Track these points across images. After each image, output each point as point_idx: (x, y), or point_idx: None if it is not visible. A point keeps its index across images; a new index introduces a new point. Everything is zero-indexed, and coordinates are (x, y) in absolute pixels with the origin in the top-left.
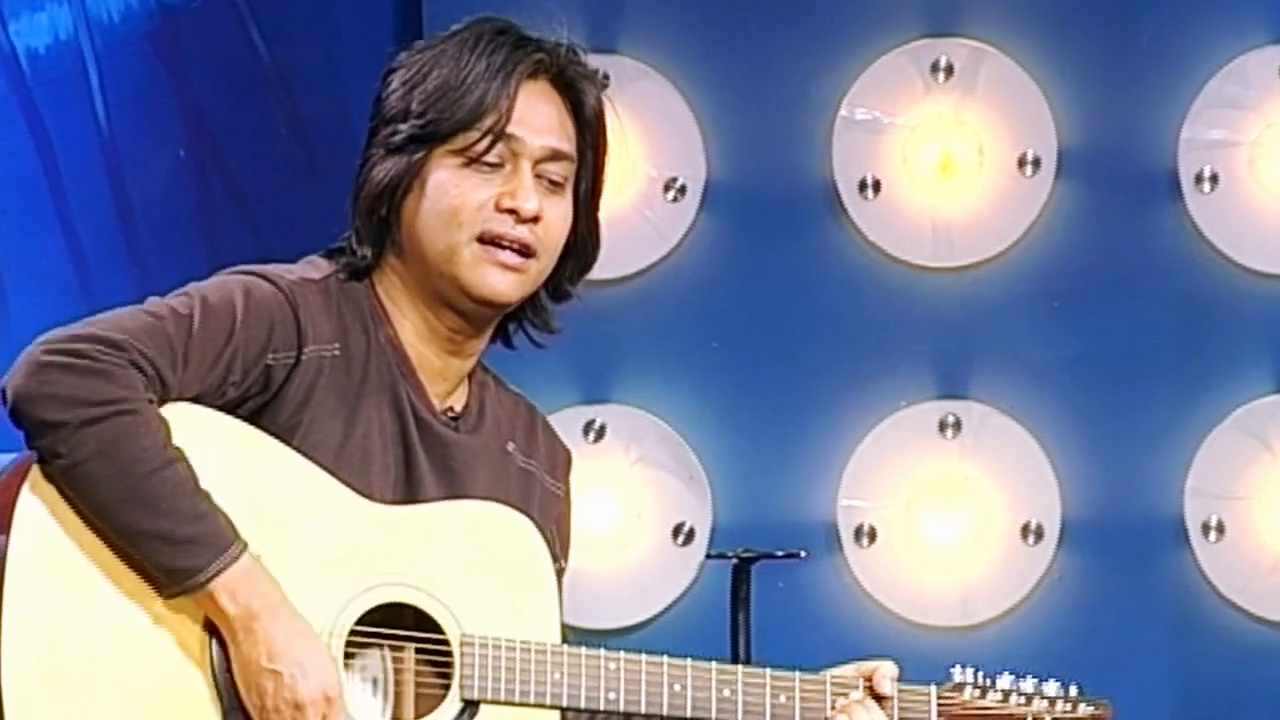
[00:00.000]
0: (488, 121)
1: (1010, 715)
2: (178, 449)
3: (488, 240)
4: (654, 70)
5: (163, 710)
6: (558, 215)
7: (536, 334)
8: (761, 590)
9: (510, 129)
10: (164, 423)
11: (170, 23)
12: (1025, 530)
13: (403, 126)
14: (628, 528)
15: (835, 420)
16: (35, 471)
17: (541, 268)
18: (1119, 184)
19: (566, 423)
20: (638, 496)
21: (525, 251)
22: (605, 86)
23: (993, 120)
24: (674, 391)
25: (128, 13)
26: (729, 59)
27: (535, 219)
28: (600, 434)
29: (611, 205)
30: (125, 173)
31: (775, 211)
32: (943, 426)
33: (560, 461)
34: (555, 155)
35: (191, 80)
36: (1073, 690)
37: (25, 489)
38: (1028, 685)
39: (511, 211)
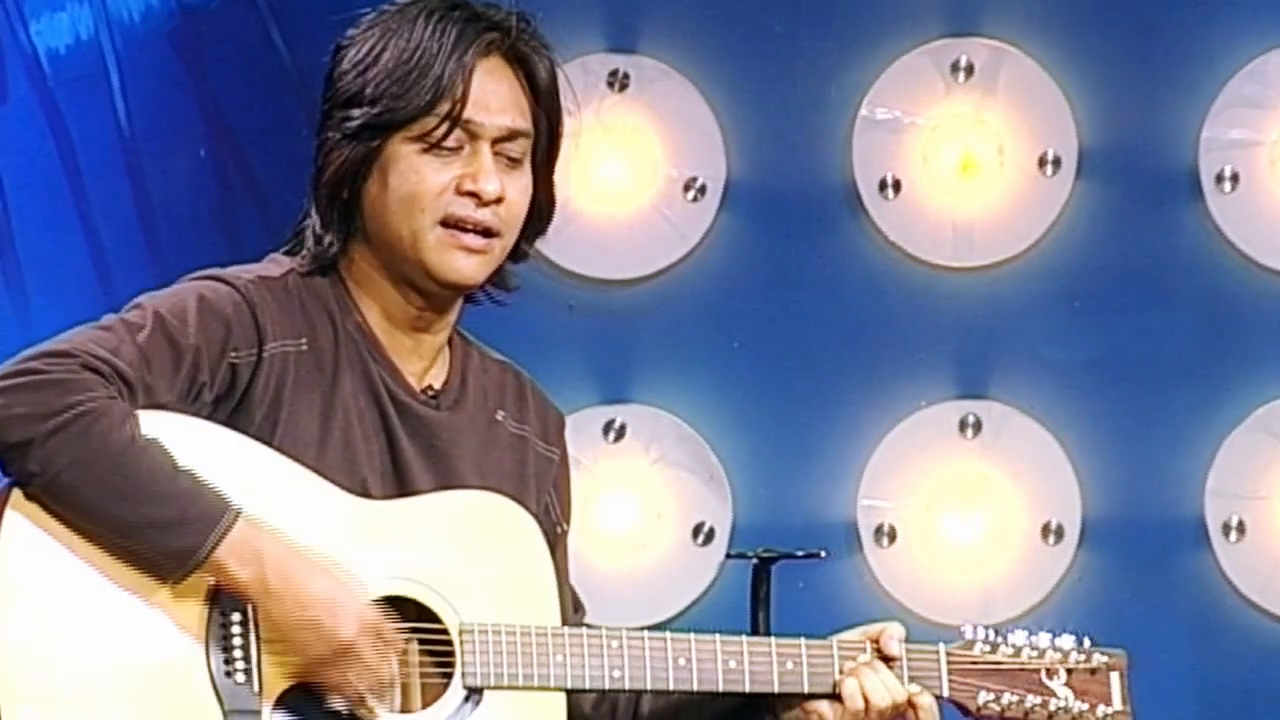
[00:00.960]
0: (444, 107)
1: (1023, 668)
2: (149, 437)
3: (451, 224)
4: (674, 70)
5: (161, 718)
6: (518, 191)
7: (495, 293)
8: (781, 590)
9: (467, 113)
10: (130, 414)
11: (191, 23)
12: (1045, 530)
13: (357, 112)
14: (647, 528)
15: (855, 420)
16: (15, 495)
17: (505, 244)
18: (1139, 184)
19: (586, 423)
20: (658, 496)
21: (488, 233)
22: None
23: (1013, 120)
24: (694, 391)
25: (148, 13)
26: (749, 59)
27: (497, 201)
28: (620, 434)
29: (631, 205)
30: (146, 172)
31: (795, 211)
32: (963, 426)
33: (553, 425)
34: (512, 134)
35: (212, 80)
36: (1086, 642)
37: (8, 513)
38: (1041, 639)
39: (473, 194)
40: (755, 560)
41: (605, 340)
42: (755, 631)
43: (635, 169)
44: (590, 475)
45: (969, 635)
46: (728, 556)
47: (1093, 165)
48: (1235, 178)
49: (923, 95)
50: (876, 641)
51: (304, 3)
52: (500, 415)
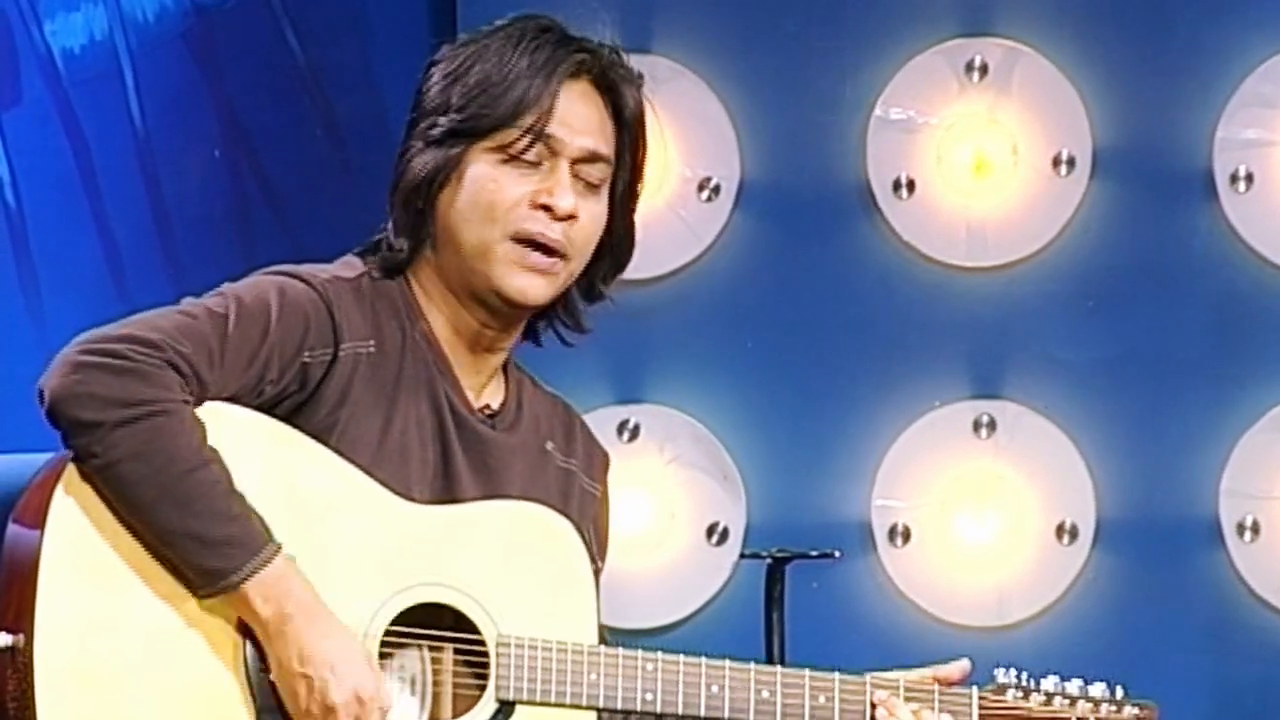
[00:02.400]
0: (528, 120)
1: (1054, 717)
2: (213, 450)
3: (521, 239)
4: (688, 70)
5: (195, 710)
6: (592, 216)
7: (567, 333)
8: (796, 590)
9: (550, 128)
10: (199, 424)
11: (205, 23)
12: (1060, 530)
13: (442, 120)
14: (662, 528)
15: (869, 420)
16: (71, 470)
17: (572, 269)
18: (1154, 183)
19: (600, 422)
20: (672, 496)
21: (556, 252)
22: (642, 86)
23: (1027, 120)
24: (708, 391)
25: (162, 13)
26: (764, 59)
27: (570, 217)
28: (634, 434)
29: (646, 205)
30: (160, 173)
31: (809, 211)
32: (977, 426)
33: (598, 463)
34: (593, 157)
35: (226, 80)
36: (1118, 692)
37: (60, 488)
38: (1073, 687)
39: (546, 209)
40: (769, 560)
41: (619, 340)
42: (769, 631)
43: (649, 169)
44: None
45: (1001, 679)
46: (742, 556)
47: (1107, 165)
48: (1250, 177)
49: (937, 95)
50: (941, 680)
51: (318, 3)
52: (550, 446)
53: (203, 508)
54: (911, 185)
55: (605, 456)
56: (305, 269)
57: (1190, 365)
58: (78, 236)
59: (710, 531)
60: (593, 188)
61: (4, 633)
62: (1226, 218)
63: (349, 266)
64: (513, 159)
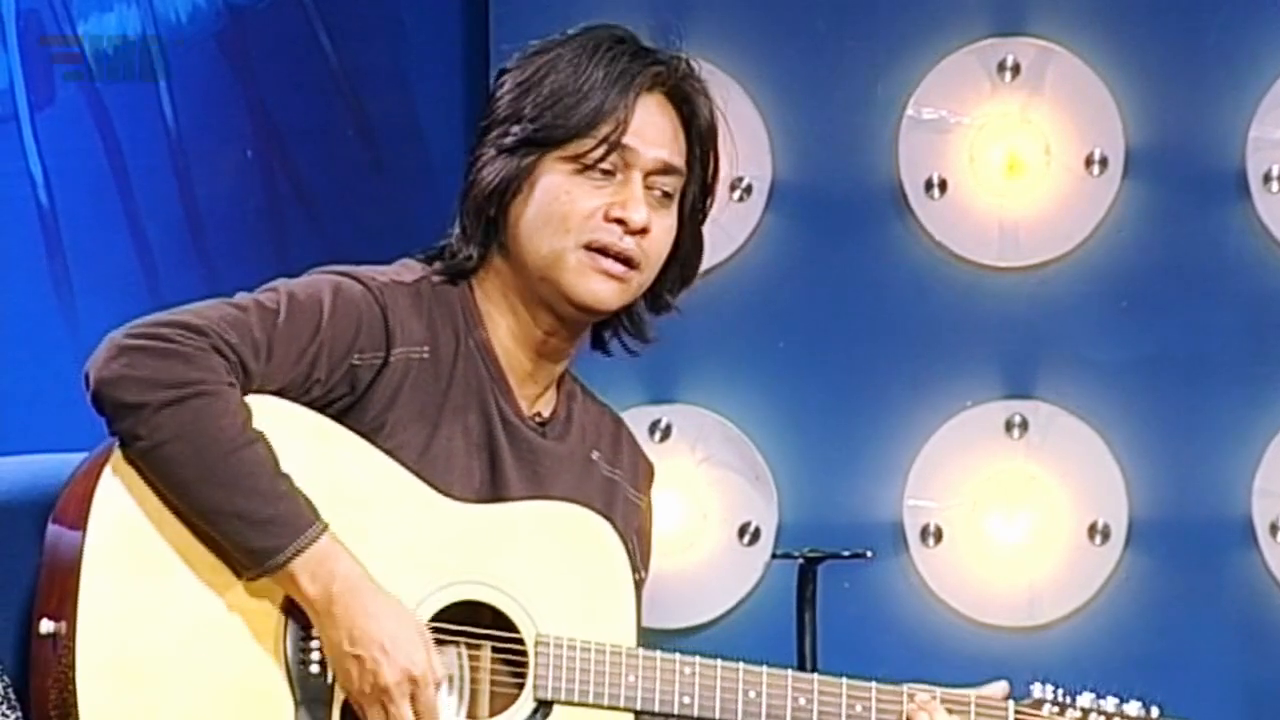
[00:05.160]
0: (604, 130)
1: None
2: (258, 431)
3: (594, 249)
4: (720, 70)
5: (234, 702)
6: (664, 228)
7: (631, 342)
8: (827, 590)
9: (625, 139)
10: (244, 406)
11: (237, 23)
12: (1092, 530)
13: (515, 128)
14: (694, 528)
15: (901, 420)
16: (116, 455)
17: (643, 280)
18: (1186, 183)
19: (632, 422)
20: (703, 496)
21: (629, 262)
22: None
23: (1060, 119)
24: (740, 391)
25: (195, 13)
26: (795, 58)
27: (643, 231)
28: (666, 434)
29: None
30: (193, 173)
31: (841, 211)
32: (1009, 426)
33: (643, 473)
34: (667, 169)
35: (258, 81)
36: (1154, 711)
37: (106, 473)
38: (1109, 704)
39: (620, 221)
40: (801, 560)
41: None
42: (801, 632)
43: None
44: None
45: (1037, 694)
46: (774, 556)
47: (1140, 165)
48: None
49: (969, 95)
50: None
51: (350, 4)
52: (596, 455)
53: (248, 487)
54: (944, 185)
55: (650, 467)
56: (363, 270)
57: (1223, 365)
58: (110, 237)
59: (742, 532)
60: (665, 199)
61: (47, 619)
62: (1259, 217)
63: (409, 269)
64: (586, 169)
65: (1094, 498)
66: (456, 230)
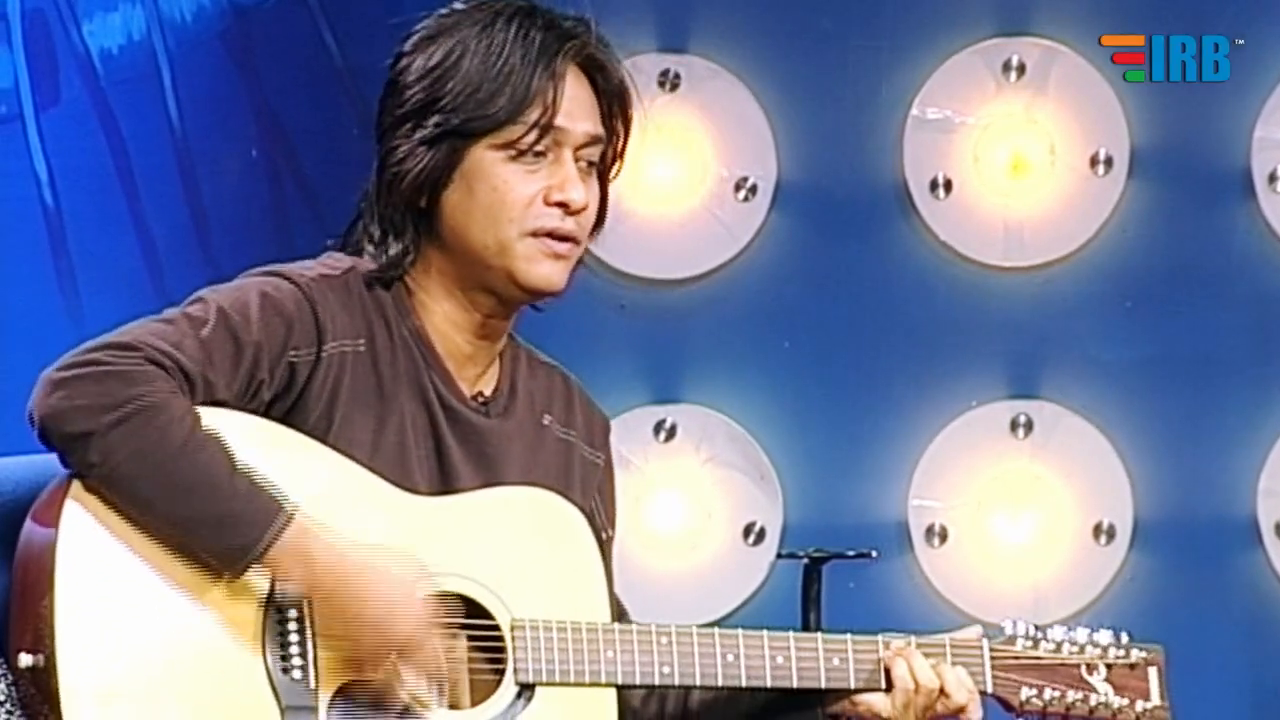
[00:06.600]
0: (533, 115)
1: (1063, 663)
2: (210, 432)
3: (540, 235)
4: (725, 70)
5: (220, 714)
6: (594, 197)
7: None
8: (832, 590)
9: (557, 121)
10: (191, 410)
11: (242, 23)
12: (1097, 530)
13: (435, 119)
14: (698, 528)
15: (906, 420)
16: (75, 486)
17: (582, 250)
18: (1192, 183)
19: (637, 423)
20: (708, 496)
21: (573, 240)
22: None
23: (1065, 119)
24: (745, 391)
25: (200, 13)
26: (800, 58)
27: (583, 209)
28: (671, 434)
29: (682, 205)
30: (198, 173)
31: (846, 211)
32: (1014, 426)
33: (599, 430)
34: (593, 140)
35: (263, 80)
36: (1124, 637)
37: (66, 507)
38: (1080, 634)
39: (561, 205)
40: (806, 560)
41: (656, 340)
42: (806, 631)
43: (686, 169)
44: (641, 475)
45: (1009, 630)
46: (779, 556)
47: (1145, 165)
48: None
49: (974, 94)
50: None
51: (355, 3)
52: (547, 419)
53: (209, 489)
54: (949, 185)
55: (605, 422)
56: (291, 267)
57: (1228, 365)
58: (116, 236)
59: (747, 531)
60: (590, 168)
61: (25, 653)
62: (1264, 217)
63: (335, 262)
64: (520, 155)
65: (1099, 498)
66: (376, 226)
